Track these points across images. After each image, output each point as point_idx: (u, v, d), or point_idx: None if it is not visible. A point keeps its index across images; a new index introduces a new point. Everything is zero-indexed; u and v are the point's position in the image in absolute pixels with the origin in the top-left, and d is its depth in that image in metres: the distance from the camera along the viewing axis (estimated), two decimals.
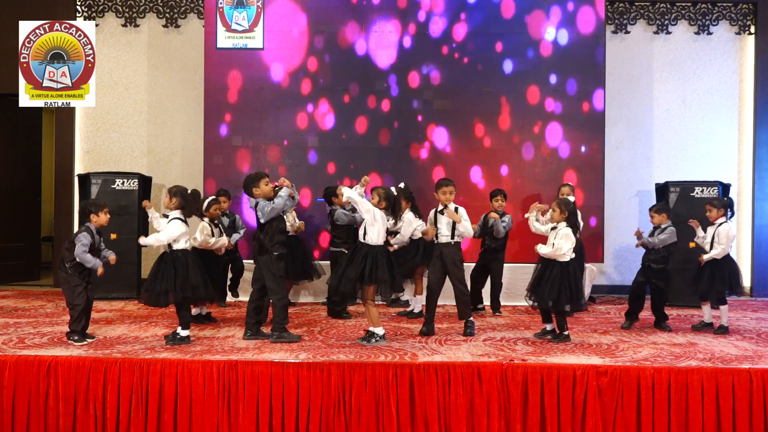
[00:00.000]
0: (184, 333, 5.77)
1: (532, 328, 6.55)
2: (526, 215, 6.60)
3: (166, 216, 5.90)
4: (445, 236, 6.28)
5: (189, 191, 5.96)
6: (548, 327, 6.19)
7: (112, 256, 5.83)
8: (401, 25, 8.54)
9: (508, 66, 8.54)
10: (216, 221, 6.94)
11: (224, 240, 6.91)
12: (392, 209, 5.93)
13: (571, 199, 6.97)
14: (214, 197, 7.08)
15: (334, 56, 8.53)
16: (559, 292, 5.94)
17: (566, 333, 6.06)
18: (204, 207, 6.81)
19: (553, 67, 8.49)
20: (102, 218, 5.82)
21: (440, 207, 6.31)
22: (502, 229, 7.34)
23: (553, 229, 6.14)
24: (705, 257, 6.45)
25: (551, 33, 8.49)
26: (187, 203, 5.89)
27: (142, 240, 5.86)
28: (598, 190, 8.51)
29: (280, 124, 8.53)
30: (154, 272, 5.73)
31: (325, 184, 8.12)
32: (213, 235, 6.81)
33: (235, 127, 8.50)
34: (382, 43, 8.54)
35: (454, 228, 6.25)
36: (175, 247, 5.77)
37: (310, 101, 8.53)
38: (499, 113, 8.52)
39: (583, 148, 8.46)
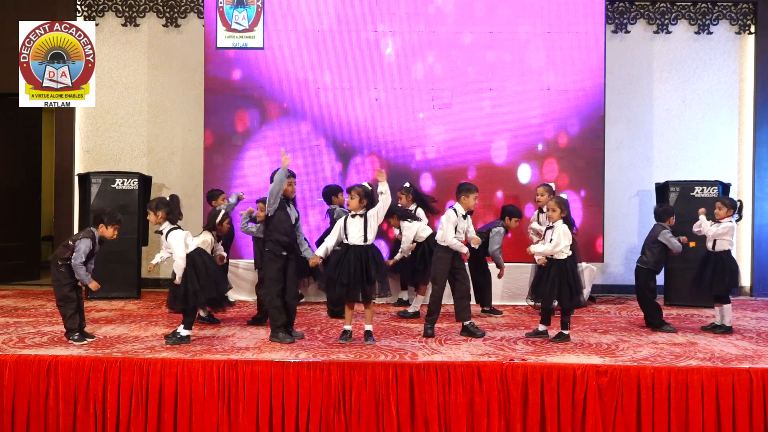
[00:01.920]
0: (185, 333, 5.76)
1: (533, 327, 6.55)
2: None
3: (160, 233, 5.78)
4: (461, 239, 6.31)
5: (168, 198, 5.86)
6: (541, 328, 6.20)
7: (93, 284, 5.68)
8: (412, 20, 8.57)
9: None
10: (220, 236, 6.71)
11: (220, 254, 6.69)
12: (371, 205, 5.90)
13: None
14: (225, 212, 6.68)
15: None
16: (560, 291, 5.96)
17: (567, 333, 6.07)
18: (218, 220, 6.56)
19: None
20: (108, 232, 5.76)
21: (463, 212, 6.29)
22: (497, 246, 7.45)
23: (548, 228, 6.16)
24: (703, 224, 6.50)
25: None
26: (171, 209, 5.77)
27: (178, 274, 5.66)
28: (598, 190, 8.51)
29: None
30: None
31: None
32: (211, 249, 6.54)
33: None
34: (392, 33, 8.56)
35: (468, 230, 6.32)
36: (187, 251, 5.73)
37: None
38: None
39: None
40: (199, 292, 5.62)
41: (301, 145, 8.51)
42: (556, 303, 6.12)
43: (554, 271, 5.98)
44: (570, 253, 6.05)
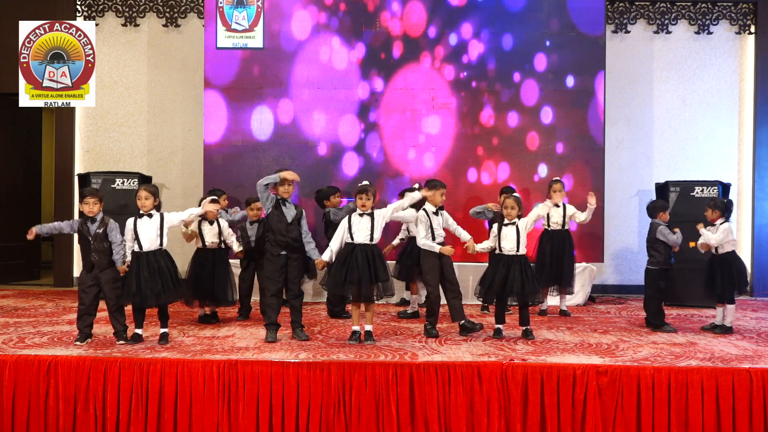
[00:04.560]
0: (139, 331, 5.82)
1: (532, 327, 6.55)
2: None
3: (150, 216, 5.80)
4: (440, 236, 6.31)
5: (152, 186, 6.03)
6: (500, 327, 6.24)
7: (120, 267, 5.72)
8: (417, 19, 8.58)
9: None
10: (211, 222, 6.75)
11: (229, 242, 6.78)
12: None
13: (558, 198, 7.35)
14: (213, 198, 6.69)
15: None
16: (532, 286, 6.09)
17: (530, 328, 6.19)
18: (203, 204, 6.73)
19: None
20: (83, 207, 5.71)
21: (433, 209, 6.29)
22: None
23: (505, 225, 6.15)
24: (704, 232, 6.45)
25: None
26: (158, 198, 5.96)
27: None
28: (598, 190, 8.49)
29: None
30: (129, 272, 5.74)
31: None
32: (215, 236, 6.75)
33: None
34: (397, 31, 8.57)
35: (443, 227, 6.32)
36: (138, 247, 5.72)
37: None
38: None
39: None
40: (136, 293, 5.63)
41: (300, 144, 8.52)
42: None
43: (519, 267, 6.05)
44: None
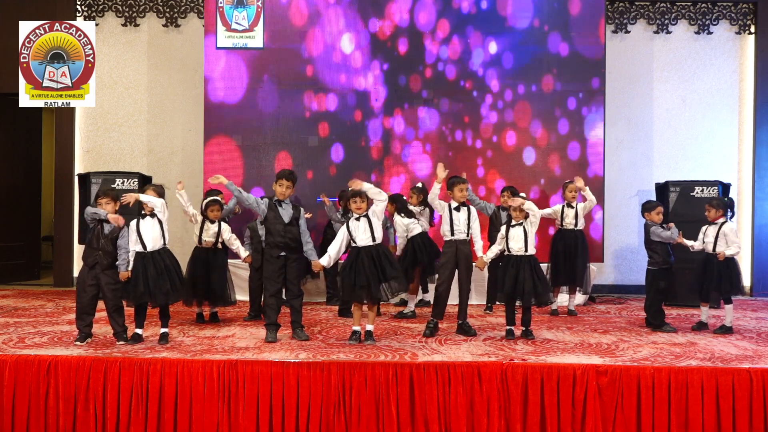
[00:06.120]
0: (139, 331, 5.82)
1: (532, 327, 6.55)
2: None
3: (153, 216, 5.80)
4: (462, 233, 6.27)
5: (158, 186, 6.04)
6: (510, 328, 6.24)
7: (122, 273, 5.69)
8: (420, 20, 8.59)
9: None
10: (213, 221, 6.73)
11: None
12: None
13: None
14: (214, 198, 6.75)
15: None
16: (544, 286, 6.11)
17: (530, 328, 6.19)
18: (202, 207, 6.73)
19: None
20: (106, 207, 5.71)
21: (454, 204, 6.29)
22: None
23: (513, 226, 6.16)
24: (727, 252, 6.36)
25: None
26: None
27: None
28: (598, 190, 8.49)
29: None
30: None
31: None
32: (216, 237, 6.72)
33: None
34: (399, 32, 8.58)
35: (469, 225, 6.28)
36: (141, 248, 5.71)
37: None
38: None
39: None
40: (144, 293, 5.62)
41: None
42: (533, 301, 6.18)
43: (529, 267, 6.05)
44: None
